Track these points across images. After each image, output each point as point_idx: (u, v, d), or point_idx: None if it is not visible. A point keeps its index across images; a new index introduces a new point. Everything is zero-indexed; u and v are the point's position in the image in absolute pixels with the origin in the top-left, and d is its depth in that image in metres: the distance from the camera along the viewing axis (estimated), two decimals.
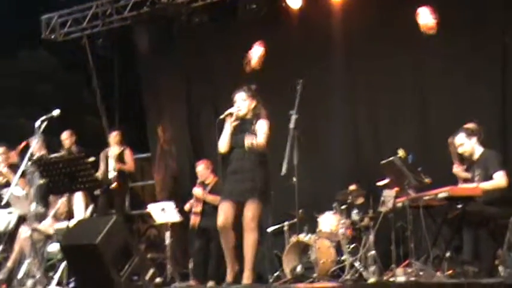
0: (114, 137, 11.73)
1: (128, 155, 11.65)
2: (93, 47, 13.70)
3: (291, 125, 7.24)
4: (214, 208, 8.19)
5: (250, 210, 7.21)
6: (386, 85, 10.72)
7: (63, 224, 8.69)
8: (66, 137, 11.45)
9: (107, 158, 11.46)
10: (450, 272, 7.57)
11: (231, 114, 7.46)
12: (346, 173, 10.75)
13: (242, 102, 7.49)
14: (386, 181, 8.61)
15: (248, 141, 7.24)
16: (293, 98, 7.36)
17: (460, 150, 8.12)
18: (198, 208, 10.22)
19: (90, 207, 9.15)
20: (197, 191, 10.27)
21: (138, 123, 14.28)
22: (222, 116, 7.47)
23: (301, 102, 7.40)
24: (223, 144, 7.46)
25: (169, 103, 13.11)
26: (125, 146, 11.75)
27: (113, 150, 11.55)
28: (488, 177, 7.86)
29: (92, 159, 10.72)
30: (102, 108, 14.04)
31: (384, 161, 8.11)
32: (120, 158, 11.51)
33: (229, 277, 7.35)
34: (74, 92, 17.65)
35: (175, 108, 13.02)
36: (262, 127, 7.36)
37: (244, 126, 7.45)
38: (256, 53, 11.09)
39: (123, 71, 14.34)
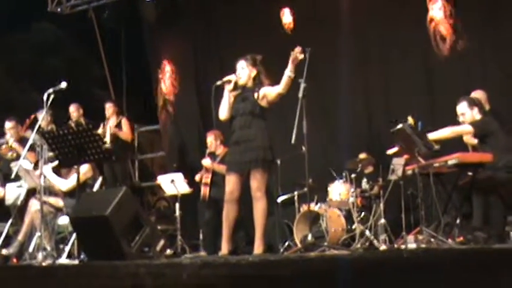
0: (108, 109, 11.75)
1: (125, 124, 11.70)
2: (99, 20, 13.68)
3: (300, 94, 7.19)
4: (224, 178, 8.20)
5: (255, 180, 7.21)
6: (395, 55, 10.66)
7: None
8: (73, 110, 11.51)
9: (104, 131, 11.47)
10: (461, 238, 7.56)
11: (229, 81, 7.44)
12: (355, 142, 10.72)
13: (241, 71, 7.47)
14: (395, 149, 8.57)
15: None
16: (302, 67, 7.30)
17: (460, 119, 8.03)
18: (207, 179, 10.23)
19: (99, 180, 9.15)
20: (206, 161, 10.27)
21: (146, 96, 14.28)
22: (219, 82, 7.44)
23: (310, 72, 7.34)
24: (223, 111, 7.45)
25: (178, 74, 13.11)
26: (121, 117, 11.77)
27: (110, 122, 11.60)
28: (483, 143, 7.84)
29: (100, 130, 10.83)
30: (109, 80, 14.05)
31: (393, 129, 8.07)
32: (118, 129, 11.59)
33: (224, 250, 7.35)
34: (81, 65, 17.63)
35: (184, 79, 13.01)
36: (268, 88, 7.34)
37: (245, 94, 7.43)
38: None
39: (130, 44, 14.32)
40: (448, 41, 10.17)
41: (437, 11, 10.22)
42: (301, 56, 6.99)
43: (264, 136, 7.28)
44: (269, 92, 7.31)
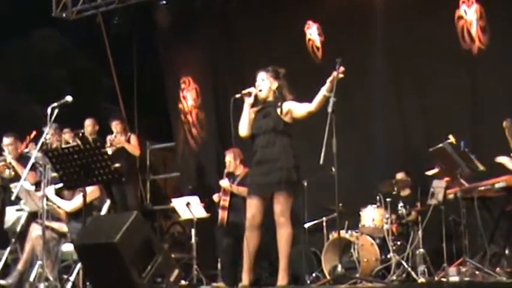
0: (115, 126, 11.75)
1: (133, 139, 11.73)
2: (108, 26, 13.75)
3: (329, 109, 7.17)
4: (245, 201, 8.19)
5: (279, 204, 7.19)
6: (433, 67, 10.62)
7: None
8: (89, 124, 11.58)
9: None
10: (510, 270, 7.51)
11: (249, 93, 7.47)
12: (391, 162, 10.70)
13: (261, 82, 7.50)
14: (435, 170, 8.55)
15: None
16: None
17: None
18: (225, 202, 10.23)
19: (107, 203, 9.18)
20: (224, 182, 10.28)
21: (159, 110, 14.32)
22: (238, 95, 7.48)
23: (340, 85, 7.33)
24: (243, 127, 7.47)
25: (195, 88, 13.17)
26: (130, 133, 11.80)
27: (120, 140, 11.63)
28: None
29: (112, 148, 10.85)
30: (119, 93, 14.10)
31: (433, 148, 8.04)
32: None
33: (244, 281, 7.35)
34: (88, 76, 17.71)
35: (202, 93, 13.06)
36: (295, 104, 7.35)
37: (266, 110, 7.44)
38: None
39: (142, 52, 14.38)
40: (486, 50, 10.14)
41: (471, 15, 10.18)
42: (341, 75, 6.99)
43: (288, 155, 7.27)
44: (296, 108, 7.30)
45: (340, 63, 7.00)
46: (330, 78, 6.99)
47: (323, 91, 7.05)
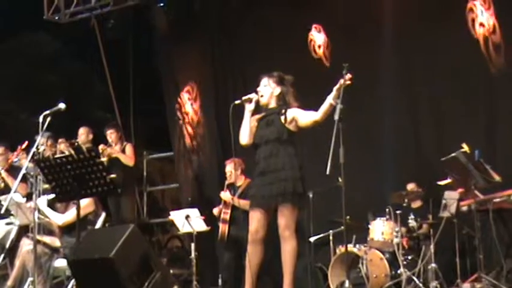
0: (109, 135, 11.72)
1: (129, 148, 11.69)
2: (103, 30, 13.75)
3: (336, 116, 7.17)
4: (247, 214, 8.19)
5: (284, 217, 7.20)
6: (447, 69, 10.63)
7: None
8: (82, 132, 11.56)
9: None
10: None
11: (249, 99, 7.47)
12: (401, 172, 10.69)
13: (263, 88, 7.50)
14: (448, 181, 8.55)
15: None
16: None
17: None
18: (226, 215, 10.24)
19: (102, 216, 9.19)
20: (225, 195, 10.28)
21: (157, 117, 14.34)
22: (237, 101, 7.48)
23: (347, 91, 7.34)
24: (244, 135, 7.48)
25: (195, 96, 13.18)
26: (126, 143, 11.79)
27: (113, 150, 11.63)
28: None
29: (104, 159, 10.84)
30: (114, 100, 14.10)
31: (446, 157, 8.04)
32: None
33: None
34: (82, 82, 17.73)
35: (202, 101, 13.07)
36: (300, 111, 7.35)
37: (269, 118, 7.45)
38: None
39: (139, 57, 14.39)
40: (503, 53, 10.14)
41: (487, 19, 10.19)
42: (348, 82, 6.98)
43: (293, 165, 7.28)
44: (301, 117, 7.30)
45: (347, 69, 7.01)
46: (337, 86, 6.97)
47: (329, 99, 7.04)
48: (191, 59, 13.19)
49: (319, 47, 11.68)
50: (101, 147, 11.38)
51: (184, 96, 13.34)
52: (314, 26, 11.75)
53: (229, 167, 10.50)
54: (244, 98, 7.50)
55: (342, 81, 6.94)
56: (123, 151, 11.63)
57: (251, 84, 8.10)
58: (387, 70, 11.10)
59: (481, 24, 10.13)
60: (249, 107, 7.48)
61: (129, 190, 11.94)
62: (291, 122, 7.34)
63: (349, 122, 7.21)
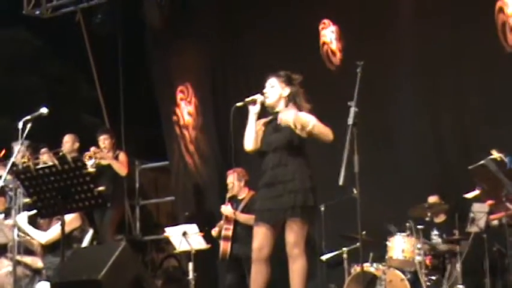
0: (103, 141, 11.72)
1: (123, 156, 11.69)
2: (90, 25, 13.75)
3: (350, 121, 7.16)
4: (251, 230, 8.18)
5: (292, 233, 7.18)
6: (473, 70, 10.62)
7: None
8: (67, 140, 11.57)
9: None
10: None
11: (253, 101, 7.44)
12: (423, 183, 10.69)
13: (270, 89, 7.47)
14: (476, 192, 8.53)
15: (286, 116, 7.24)
16: (352, 86, 7.30)
17: None
18: (228, 231, 10.23)
19: (90, 232, 9.18)
20: (227, 209, 10.27)
21: (150, 123, 14.34)
22: (240, 103, 7.44)
23: (363, 93, 7.33)
24: (248, 140, 7.43)
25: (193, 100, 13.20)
26: (118, 151, 11.78)
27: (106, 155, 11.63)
28: None
29: (92, 170, 10.82)
30: (103, 104, 14.11)
31: (473, 166, 8.03)
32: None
33: None
34: (67, 84, 17.74)
35: (198, 99, 13.08)
36: (306, 115, 7.32)
37: (277, 122, 7.37)
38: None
39: (130, 56, 14.39)
40: None
41: None
42: None
43: (304, 176, 7.25)
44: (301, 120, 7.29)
45: (361, 67, 7.01)
46: None
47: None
48: (188, 59, 13.19)
49: (330, 43, 11.67)
50: (92, 149, 11.38)
51: (178, 98, 13.33)
52: (323, 21, 11.74)
53: (231, 178, 10.48)
54: (247, 99, 7.44)
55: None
56: (115, 159, 11.63)
57: (255, 86, 8.10)
58: (406, 71, 11.09)
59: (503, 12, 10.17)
60: (253, 109, 7.43)
61: (118, 203, 11.88)
62: (300, 128, 7.31)
63: (364, 127, 7.22)
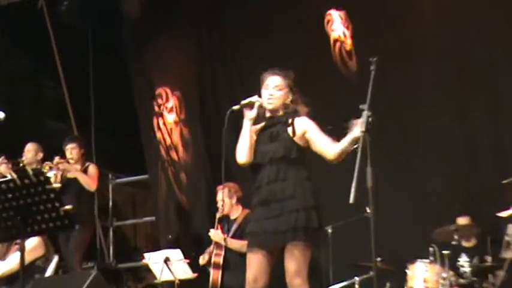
0: (70, 150, 11.74)
1: (93, 169, 11.72)
2: (55, 15, 13.76)
3: (362, 127, 7.18)
4: (243, 257, 8.19)
5: (293, 260, 7.15)
6: (507, 69, 10.66)
7: None
8: (30, 149, 11.60)
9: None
10: None
11: (251, 104, 7.40)
12: (449, 201, 10.70)
13: (277, 92, 7.41)
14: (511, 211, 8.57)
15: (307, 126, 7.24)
16: (365, 86, 7.31)
17: None
18: (219, 258, 10.25)
19: (55, 260, 9.18)
20: (216, 234, 10.27)
21: (126, 130, 14.35)
22: (236, 107, 7.40)
23: (377, 94, 7.34)
24: (242, 151, 7.37)
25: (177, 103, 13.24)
26: (88, 163, 11.80)
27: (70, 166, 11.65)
28: None
29: (57, 185, 10.81)
30: (69, 107, 14.12)
31: (508, 180, 8.06)
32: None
33: None
34: (27, 83, 17.77)
35: (183, 105, 13.11)
36: (312, 127, 7.32)
37: (274, 129, 7.38)
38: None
39: (102, 52, 14.40)
40: None
41: None
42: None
43: (306, 192, 7.25)
44: (312, 139, 7.30)
45: (376, 64, 7.02)
46: (355, 135, 6.98)
47: (348, 139, 7.07)
48: (171, 55, 13.21)
49: (338, 39, 11.71)
50: (56, 159, 11.39)
51: (159, 101, 13.35)
52: (328, 12, 11.77)
53: (222, 195, 10.48)
54: (243, 102, 7.38)
55: (358, 126, 6.91)
56: (84, 172, 11.64)
57: (247, 86, 8.11)
58: (430, 71, 11.11)
59: None
60: (249, 115, 7.38)
61: (86, 224, 11.84)
62: (302, 135, 7.30)
63: (380, 135, 7.23)
